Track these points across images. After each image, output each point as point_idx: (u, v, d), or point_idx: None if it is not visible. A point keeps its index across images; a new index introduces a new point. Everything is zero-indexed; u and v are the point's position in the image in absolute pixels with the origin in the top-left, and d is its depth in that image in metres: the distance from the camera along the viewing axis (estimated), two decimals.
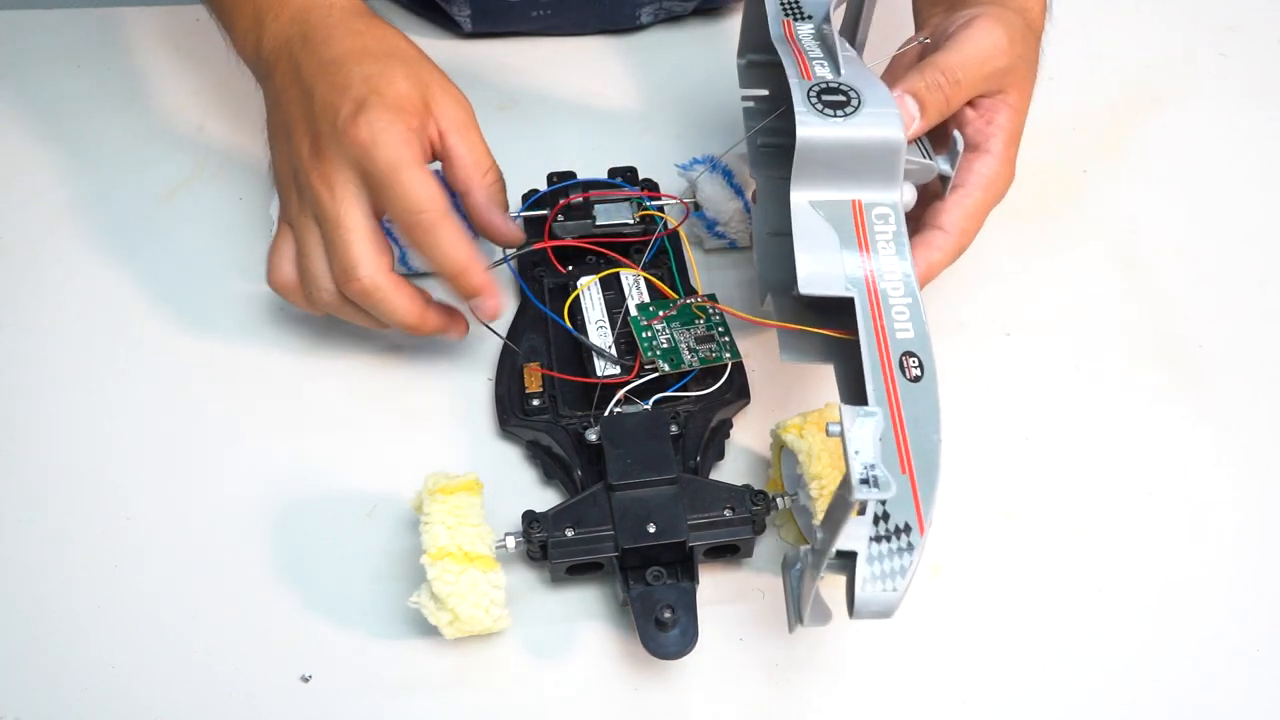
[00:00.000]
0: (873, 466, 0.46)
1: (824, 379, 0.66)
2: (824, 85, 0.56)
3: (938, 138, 0.61)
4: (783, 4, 0.62)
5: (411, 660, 0.57)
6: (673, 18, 0.84)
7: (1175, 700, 0.56)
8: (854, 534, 0.48)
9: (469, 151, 0.61)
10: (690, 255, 0.68)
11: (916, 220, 0.62)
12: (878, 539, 0.48)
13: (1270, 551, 0.61)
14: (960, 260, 0.72)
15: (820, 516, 0.55)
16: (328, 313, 0.63)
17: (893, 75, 0.65)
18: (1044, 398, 0.66)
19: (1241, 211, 0.75)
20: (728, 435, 0.63)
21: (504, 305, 0.62)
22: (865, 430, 0.48)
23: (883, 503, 0.48)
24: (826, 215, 0.55)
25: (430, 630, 0.55)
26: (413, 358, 0.67)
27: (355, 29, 0.62)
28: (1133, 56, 0.83)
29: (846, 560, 0.48)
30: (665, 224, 0.68)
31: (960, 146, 0.59)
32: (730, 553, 0.58)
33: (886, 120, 0.55)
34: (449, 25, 0.83)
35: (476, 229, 0.63)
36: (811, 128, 0.54)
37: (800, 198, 0.55)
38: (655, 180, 0.72)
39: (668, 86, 0.81)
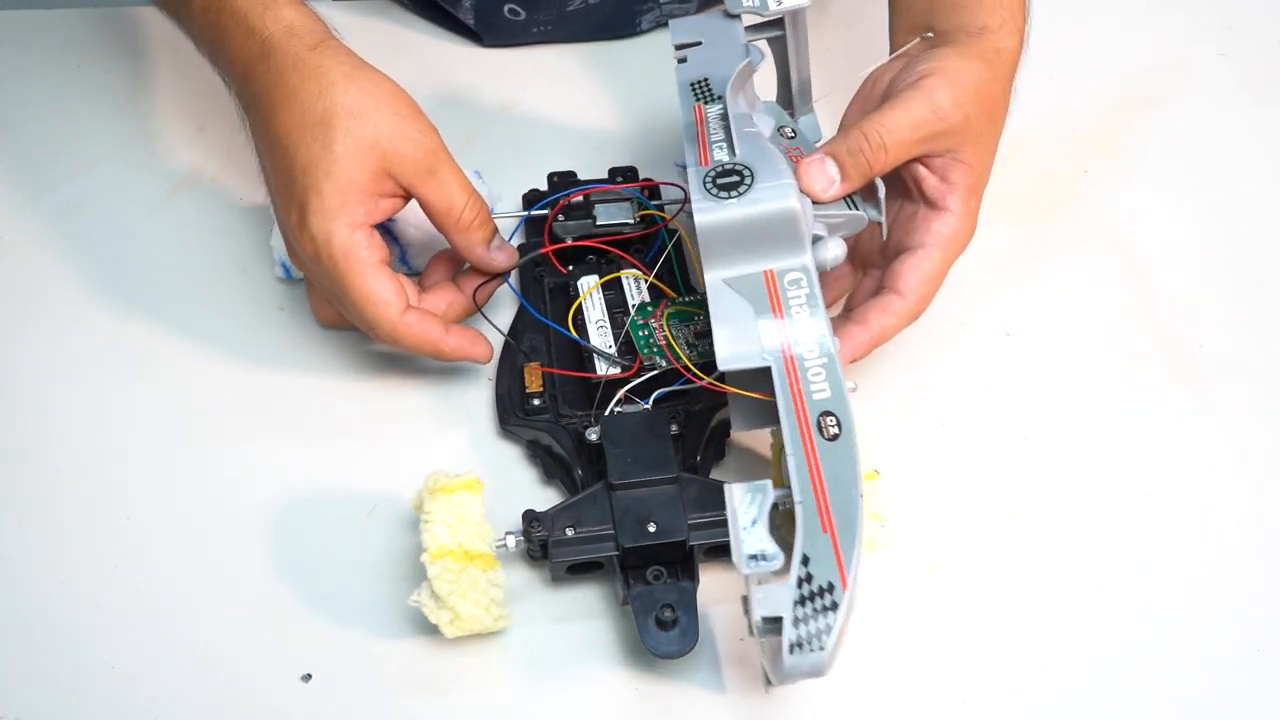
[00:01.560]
0: (762, 539, 0.48)
1: None
2: (719, 169, 0.57)
3: (871, 187, 0.61)
4: (694, 89, 0.64)
5: (412, 659, 0.57)
6: None
7: (1175, 700, 0.56)
8: (778, 599, 0.48)
9: (436, 199, 0.60)
10: (692, 252, 0.68)
11: (877, 280, 0.62)
12: (802, 600, 0.48)
13: (1271, 551, 0.61)
14: (960, 260, 0.72)
15: None
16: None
17: (864, 98, 0.65)
18: (1044, 398, 0.66)
19: (1242, 211, 0.74)
20: (728, 435, 0.63)
21: (490, 347, 0.64)
22: (753, 504, 0.50)
23: (805, 564, 0.49)
24: (741, 290, 0.56)
25: (430, 629, 0.55)
26: (413, 357, 0.67)
27: (290, 87, 0.59)
28: (1133, 56, 0.82)
29: (774, 625, 0.48)
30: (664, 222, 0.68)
31: (882, 194, 0.60)
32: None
33: (778, 192, 0.56)
34: (463, 28, 0.83)
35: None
36: (707, 213, 0.56)
37: (714, 277, 0.56)
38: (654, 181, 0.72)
39: (668, 87, 0.80)
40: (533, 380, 0.63)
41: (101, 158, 0.77)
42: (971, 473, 0.63)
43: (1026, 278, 0.71)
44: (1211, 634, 0.58)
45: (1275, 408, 0.66)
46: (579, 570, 0.58)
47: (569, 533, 0.57)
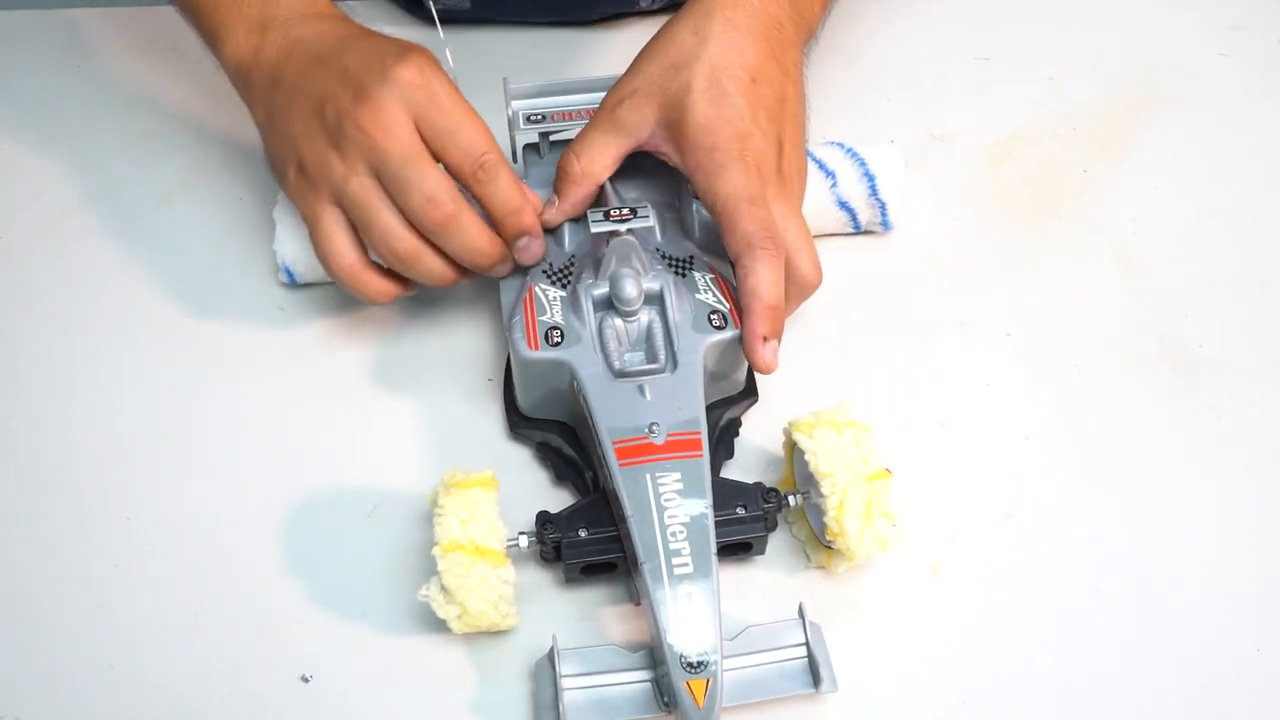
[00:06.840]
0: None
1: (834, 377, 0.66)
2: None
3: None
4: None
5: (420, 658, 0.57)
6: (673, 5, 0.84)
7: (1175, 700, 0.56)
8: None
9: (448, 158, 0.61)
10: None
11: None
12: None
13: (1270, 551, 0.61)
14: (960, 260, 0.72)
15: (831, 513, 0.55)
16: (399, 273, 0.63)
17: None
18: (1044, 398, 0.66)
19: (1242, 211, 0.75)
20: (736, 434, 0.63)
21: (544, 247, 0.63)
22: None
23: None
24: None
25: (439, 626, 0.55)
26: (421, 355, 0.67)
27: (318, 28, 0.64)
28: (1133, 56, 0.83)
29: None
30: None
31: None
32: (743, 550, 0.58)
33: None
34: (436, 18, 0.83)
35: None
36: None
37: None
38: None
39: None
40: None
41: (101, 158, 0.77)
42: (971, 473, 0.63)
43: (1026, 278, 0.71)
44: (1211, 634, 0.58)
45: (1275, 408, 0.66)
46: (592, 571, 0.57)
47: (582, 534, 0.57)
